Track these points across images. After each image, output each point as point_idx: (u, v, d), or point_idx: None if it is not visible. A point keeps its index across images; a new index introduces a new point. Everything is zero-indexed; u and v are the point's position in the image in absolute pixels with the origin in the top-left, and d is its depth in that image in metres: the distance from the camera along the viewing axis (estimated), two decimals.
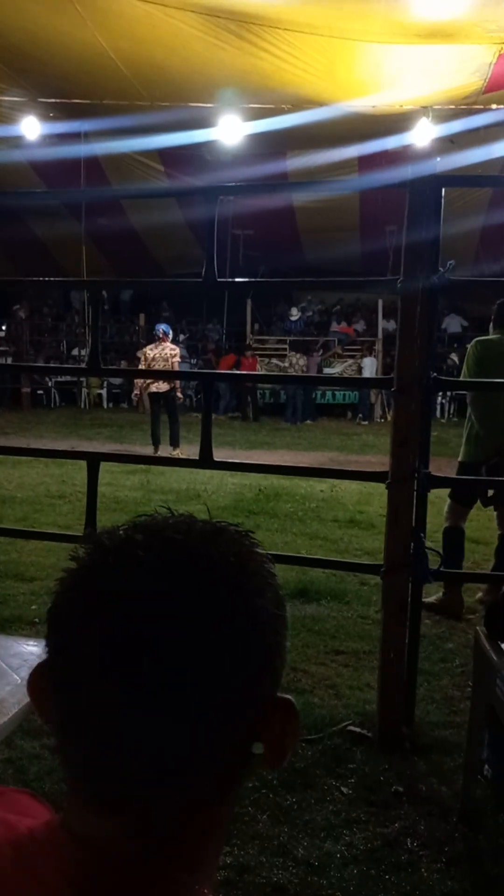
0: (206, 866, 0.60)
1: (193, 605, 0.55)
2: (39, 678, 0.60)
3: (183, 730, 0.55)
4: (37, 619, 4.14)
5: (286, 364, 15.52)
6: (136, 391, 11.75)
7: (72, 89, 10.48)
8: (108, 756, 0.55)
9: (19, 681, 1.94)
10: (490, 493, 4.37)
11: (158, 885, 0.56)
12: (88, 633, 0.56)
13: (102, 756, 0.56)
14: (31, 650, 2.13)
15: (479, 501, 4.54)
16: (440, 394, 14.38)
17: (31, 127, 11.25)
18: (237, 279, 3.73)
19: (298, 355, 15.62)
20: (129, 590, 0.55)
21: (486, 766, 2.69)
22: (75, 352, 18.06)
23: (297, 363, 15.40)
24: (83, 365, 15.75)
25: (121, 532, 0.60)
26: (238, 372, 14.16)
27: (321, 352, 16.46)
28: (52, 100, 10.81)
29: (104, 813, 0.57)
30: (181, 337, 18.01)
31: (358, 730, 3.04)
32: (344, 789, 2.68)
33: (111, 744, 0.55)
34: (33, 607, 4.32)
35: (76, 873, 0.55)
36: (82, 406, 17.17)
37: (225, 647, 0.56)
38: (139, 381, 11.22)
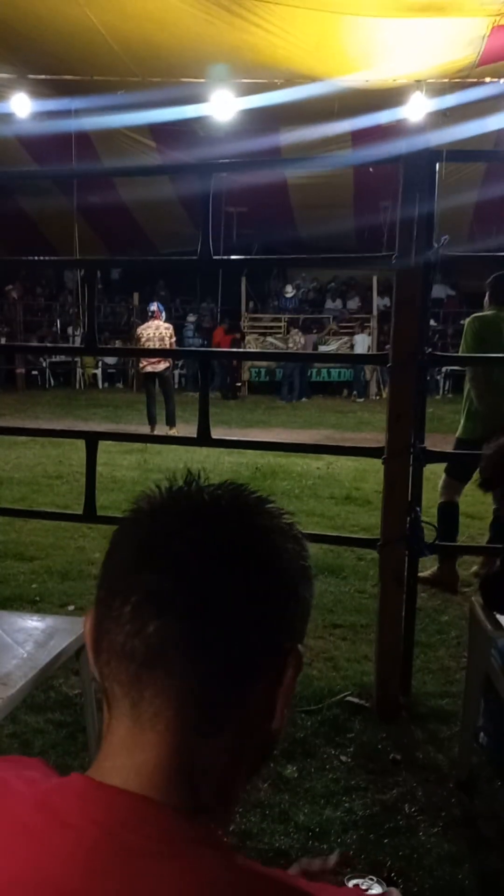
0: (223, 811, 0.64)
1: (232, 549, 0.64)
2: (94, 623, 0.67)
3: (219, 658, 0.62)
4: (37, 598, 4.18)
5: (290, 344, 15.46)
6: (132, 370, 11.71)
7: (62, 66, 10.33)
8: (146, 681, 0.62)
9: (25, 655, 1.98)
10: None
11: (180, 825, 0.59)
12: (140, 574, 0.63)
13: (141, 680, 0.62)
14: (36, 625, 2.17)
15: (476, 477, 4.57)
16: (436, 370, 14.39)
17: (21, 104, 11.11)
18: (232, 257, 3.72)
19: (298, 333, 15.57)
20: (177, 536, 0.64)
21: (482, 734, 2.75)
22: (69, 331, 18.00)
23: (297, 341, 15.35)
24: (78, 344, 15.81)
25: (163, 491, 0.69)
26: (236, 350, 14.13)
27: (315, 330, 16.41)
28: (43, 76, 10.67)
29: (138, 741, 0.62)
30: (191, 317, 17.93)
31: (356, 700, 3.10)
32: (343, 758, 2.74)
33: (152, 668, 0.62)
34: (33, 586, 4.37)
35: (101, 814, 0.58)
36: (77, 386, 17.14)
37: (260, 585, 0.64)
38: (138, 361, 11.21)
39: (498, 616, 2.51)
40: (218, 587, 0.61)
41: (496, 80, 10.14)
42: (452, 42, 9.08)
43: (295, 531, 0.69)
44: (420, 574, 3.52)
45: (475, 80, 10.17)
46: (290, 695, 0.67)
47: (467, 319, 4.53)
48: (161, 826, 0.58)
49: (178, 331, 15.30)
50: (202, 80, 10.28)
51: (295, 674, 0.66)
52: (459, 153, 5.65)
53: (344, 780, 2.60)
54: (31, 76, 10.70)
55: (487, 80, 10.15)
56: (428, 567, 4.42)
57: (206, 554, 0.62)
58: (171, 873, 0.55)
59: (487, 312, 4.46)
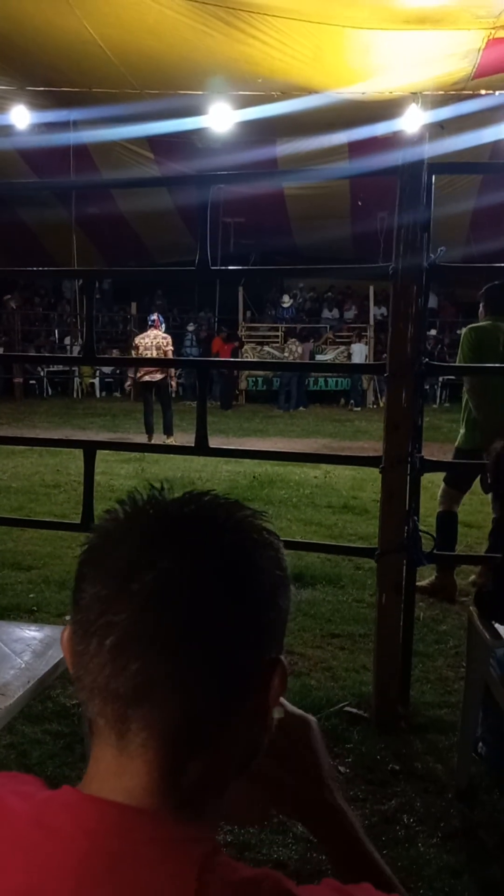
0: (212, 813, 0.65)
1: (205, 575, 0.62)
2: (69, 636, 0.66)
3: (205, 687, 0.61)
4: (34, 608, 4.17)
5: (286, 353, 15.50)
6: (129, 382, 11.74)
7: (60, 78, 10.41)
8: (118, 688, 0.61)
9: (23, 665, 1.98)
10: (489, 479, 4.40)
11: (168, 830, 0.60)
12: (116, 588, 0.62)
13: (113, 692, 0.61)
14: (34, 635, 2.17)
15: (474, 486, 4.58)
16: (433, 380, 14.43)
17: (20, 116, 11.18)
18: (230, 267, 3.73)
19: (296, 342, 15.61)
20: (146, 567, 0.62)
21: (481, 744, 2.75)
22: (67, 341, 18.02)
23: (295, 350, 15.39)
24: (76, 354, 15.84)
25: (127, 513, 0.67)
26: (235, 360, 14.16)
27: (313, 340, 16.45)
28: (41, 88, 10.74)
29: (122, 756, 0.62)
30: (191, 326, 17.97)
31: (355, 710, 3.09)
32: (342, 768, 2.73)
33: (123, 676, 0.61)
34: (31, 595, 4.36)
35: (91, 824, 0.59)
36: (75, 395, 17.15)
37: (239, 607, 0.63)
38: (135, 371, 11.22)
39: (497, 626, 2.51)
40: (195, 617, 0.60)
41: (491, 92, 10.22)
42: (448, 54, 9.16)
43: (268, 538, 0.68)
44: (418, 583, 3.52)
45: (471, 92, 10.25)
46: (278, 702, 0.67)
47: (464, 330, 4.54)
48: (149, 833, 0.59)
49: (178, 340, 15.35)
50: (200, 92, 10.35)
51: (280, 683, 0.66)
52: (455, 166, 5.70)
53: (342, 790, 2.59)
54: (30, 88, 10.77)
55: (483, 92, 10.23)
56: (426, 576, 4.42)
57: (179, 584, 0.60)
58: (161, 879, 0.57)
59: (484, 323, 4.47)
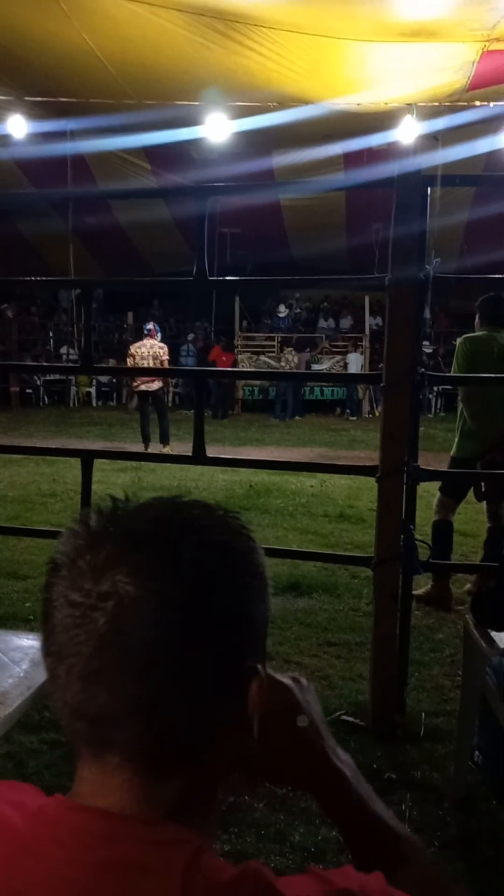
0: (201, 817, 0.65)
1: (167, 599, 0.60)
2: None
3: (177, 711, 0.61)
4: (31, 617, 4.17)
5: (282, 363, 15.53)
6: (130, 394, 11.74)
7: (58, 88, 10.45)
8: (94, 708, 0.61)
9: (21, 674, 1.98)
10: (483, 488, 4.42)
11: (153, 836, 0.61)
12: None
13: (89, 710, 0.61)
14: (32, 644, 2.17)
15: (469, 495, 4.60)
16: (428, 389, 14.47)
17: (17, 126, 11.22)
18: (227, 278, 3.75)
19: (292, 352, 15.65)
20: (105, 597, 0.60)
21: (477, 753, 2.75)
22: (63, 350, 18.04)
23: (291, 360, 15.44)
24: (72, 363, 15.85)
25: (85, 533, 0.64)
26: (232, 369, 14.19)
27: (309, 350, 16.50)
28: (39, 98, 10.78)
29: (103, 770, 0.62)
30: (190, 336, 17.99)
31: (351, 719, 3.09)
32: None
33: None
34: (27, 605, 4.35)
35: (77, 833, 0.60)
36: (71, 404, 17.16)
37: (205, 630, 0.61)
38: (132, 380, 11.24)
39: (492, 634, 2.53)
40: (159, 643, 0.59)
41: (486, 103, 10.30)
42: (443, 66, 9.23)
43: (237, 547, 0.66)
44: (414, 592, 3.53)
45: (466, 103, 10.33)
46: (261, 710, 0.66)
47: (459, 340, 4.58)
48: (133, 837, 0.60)
49: (175, 350, 15.36)
50: (197, 103, 10.40)
51: (259, 693, 0.65)
52: (452, 178, 5.73)
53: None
54: (28, 98, 10.81)
55: (477, 104, 10.31)
56: (422, 585, 4.44)
57: (140, 611, 0.59)
58: (146, 882, 0.58)
59: (479, 333, 4.50)
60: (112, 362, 15.75)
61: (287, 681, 0.78)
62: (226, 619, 0.63)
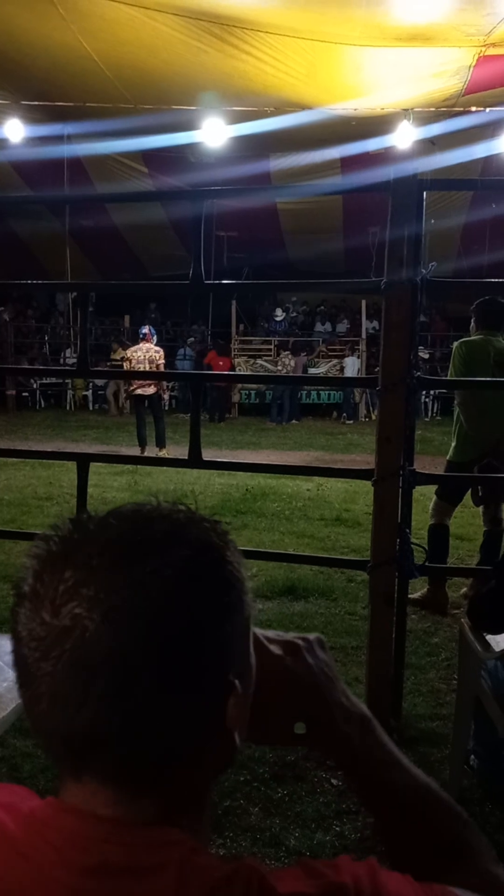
0: (190, 818, 0.64)
1: (127, 630, 0.59)
2: None
3: (150, 736, 0.60)
4: None
5: (279, 367, 15.55)
6: (124, 393, 11.70)
7: (55, 92, 10.47)
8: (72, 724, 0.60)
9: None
10: (480, 492, 4.43)
11: (145, 838, 0.60)
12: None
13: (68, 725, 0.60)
14: None
15: (465, 499, 4.60)
16: (424, 393, 14.50)
17: (14, 129, 11.23)
18: (223, 281, 3.76)
19: (289, 356, 15.68)
20: (65, 630, 0.59)
21: (473, 757, 2.75)
22: (65, 353, 18.03)
23: (287, 364, 15.47)
24: (69, 366, 15.84)
25: (43, 558, 0.63)
26: (228, 373, 14.19)
27: (306, 352, 16.52)
28: (36, 102, 10.80)
29: (92, 781, 0.62)
30: (189, 340, 18.00)
31: None
32: (334, 781, 2.72)
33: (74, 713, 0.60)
34: None
35: (69, 837, 0.61)
36: (68, 408, 17.15)
37: (169, 658, 0.59)
38: (122, 384, 11.21)
39: (487, 637, 2.53)
40: (122, 676, 0.58)
41: (482, 109, 10.34)
42: (439, 71, 9.26)
43: (205, 561, 0.63)
44: (410, 596, 3.53)
45: (462, 108, 10.36)
46: (241, 721, 0.65)
47: (455, 344, 4.58)
48: (124, 841, 0.60)
49: (171, 353, 15.36)
50: (194, 108, 10.42)
51: (236, 705, 0.64)
52: (446, 182, 5.77)
53: (335, 803, 2.59)
54: (25, 102, 10.82)
55: (473, 109, 10.34)
56: (418, 589, 4.44)
57: (102, 645, 0.58)
58: (144, 886, 0.58)
59: (475, 337, 4.51)
60: (108, 366, 15.77)
61: (295, 640, 0.77)
62: (194, 642, 0.61)
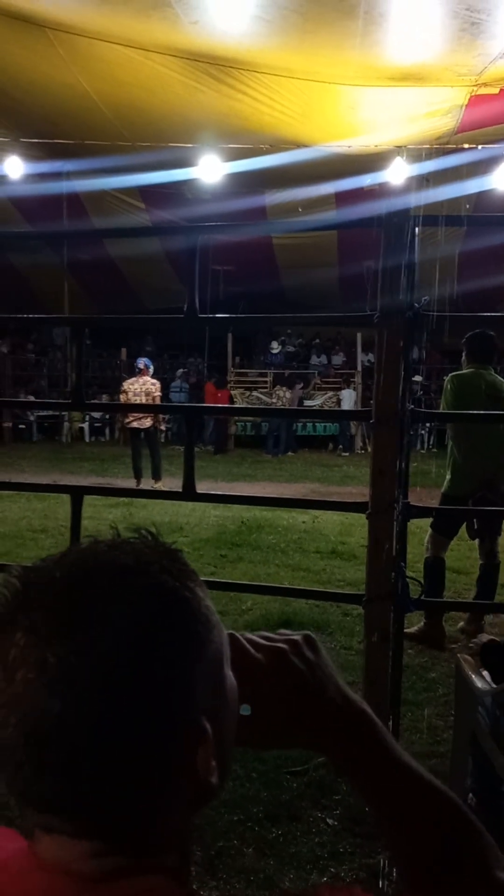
0: (170, 858, 0.62)
1: (80, 691, 0.56)
2: None
3: (97, 792, 0.57)
4: None
5: (275, 399, 15.62)
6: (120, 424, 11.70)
7: (54, 130, 10.65)
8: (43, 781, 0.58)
9: None
10: (476, 525, 4.41)
11: (122, 893, 0.58)
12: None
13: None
14: None
15: (461, 532, 4.59)
16: (420, 425, 14.53)
17: (13, 166, 11.40)
18: (219, 314, 3.78)
19: (284, 388, 15.76)
20: (21, 698, 0.57)
21: (470, 795, 2.70)
22: (59, 386, 18.10)
23: (283, 396, 15.53)
24: (64, 400, 15.87)
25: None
26: (223, 405, 14.24)
27: (301, 385, 16.61)
28: (35, 140, 10.97)
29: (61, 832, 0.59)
30: (180, 371, 18.07)
31: None
32: (329, 821, 2.68)
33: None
34: None
35: (49, 893, 0.58)
36: (64, 440, 17.16)
37: (126, 720, 0.57)
38: (121, 417, 11.23)
39: (484, 673, 2.50)
40: (83, 743, 0.56)
41: (474, 146, 10.52)
42: (432, 110, 9.44)
43: (161, 609, 0.59)
44: (406, 630, 3.50)
45: (454, 146, 10.55)
46: (222, 757, 0.63)
47: (447, 378, 4.60)
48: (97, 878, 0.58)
49: (167, 385, 15.42)
50: (190, 145, 10.59)
51: (205, 751, 0.60)
52: (436, 218, 5.84)
53: (330, 844, 2.54)
54: (24, 139, 11.00)
55: (466, 146, 10.53)
56: (414, 623, 4.40)
57: (53, 713, 0.55)
58: None
59: (466, 371, 4.53)
60: (105, 398, 15.81)
61: (280, 645, 0.74)
62: (151, 700, 0.57)
